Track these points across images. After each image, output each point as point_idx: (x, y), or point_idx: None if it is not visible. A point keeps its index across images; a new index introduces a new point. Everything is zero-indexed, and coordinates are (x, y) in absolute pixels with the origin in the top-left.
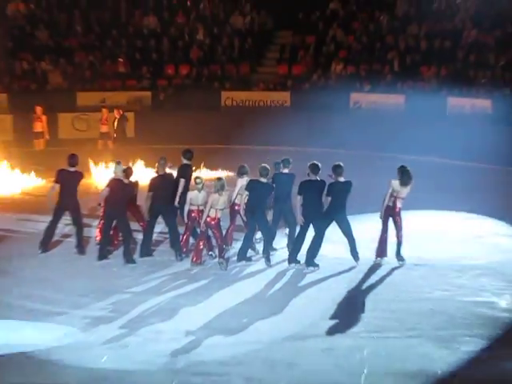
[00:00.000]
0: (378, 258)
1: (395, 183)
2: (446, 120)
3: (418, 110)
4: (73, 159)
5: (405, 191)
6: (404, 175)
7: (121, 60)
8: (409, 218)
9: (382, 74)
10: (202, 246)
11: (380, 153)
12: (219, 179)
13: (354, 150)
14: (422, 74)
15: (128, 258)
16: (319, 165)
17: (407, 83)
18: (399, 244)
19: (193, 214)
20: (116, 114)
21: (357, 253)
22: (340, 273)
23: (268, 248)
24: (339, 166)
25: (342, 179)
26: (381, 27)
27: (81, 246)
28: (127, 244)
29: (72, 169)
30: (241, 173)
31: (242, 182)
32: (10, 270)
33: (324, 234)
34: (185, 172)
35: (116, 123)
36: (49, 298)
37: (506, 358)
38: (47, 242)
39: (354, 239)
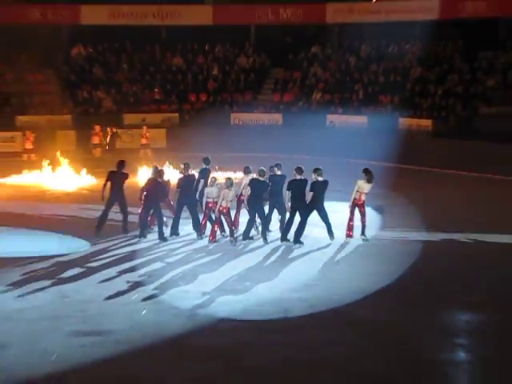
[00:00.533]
0: (348, 238)
1: (360, 181)
2: (397, 134)
3: (377, 127)
4: (121, 164)
5: (368, 187)
6: (368, 175)
7: (156, 90)
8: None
9: (351, 100)
10: (216, 229)
11: (349, 159)
12: (229, 179)
13: (329, 157)
14: (381, 101)
15: (161, 237)
16: (303, 168)
17: (369, 108)
18: (364, 227)
19: (209, 205)
20: (109, 131)
21: (332, 233)
22: (319, 248)
23: (265, 230)
24: (319, 168)
25: (320, 178)
26: (350, 66)
27: (125, 228)
28: (161, 227)
29: (120, 171)
30: (246, 172)
31: (247, 179)
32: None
33: (307, 219)
34: (204, 174)
35: (109, 138)
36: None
37: None
38: (101, 225)
39: (329, 223)
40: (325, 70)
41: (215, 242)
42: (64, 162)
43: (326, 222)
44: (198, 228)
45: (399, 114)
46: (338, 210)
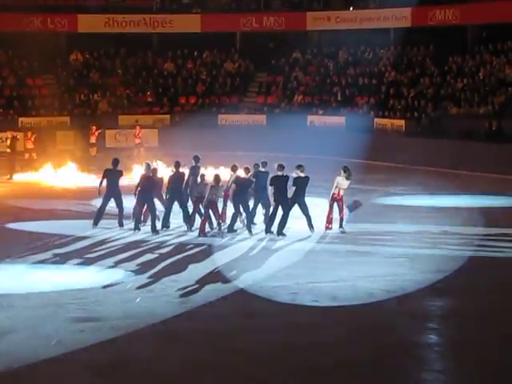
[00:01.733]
0: (327, 230)
1: (339, 178)
2: (373, 133)
3: (354, 126)
4: (115, 162)
5: (346, 183)
6: (347, 172)
7: (149, 93)
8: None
9: (330, 102)
10: (205, 222)
11: (329, 156)
12: (216, 176)
13: (310, 155)
14: (357, 102)
15: (153, 231)
16: (284, 164)
17: (347, 108)
18: (341, 220)
19: (199, 200)
20: (10, 135)
21: (312, 226)
22: (300, 240)
23: (250, 223)
24: (301, 165)
25: (302, 174)
26: (328, 70)
27: (121, 221)
28: (153, 221)
29: (115, 168)
30: (233, 170)
31: (234, 176)
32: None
33: (289, 212)
34: (194, 171)
35: (9, 142)
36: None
37: None
38: (99, 218)
39: (310, 217)
40: (305, 74)
41: (204, 234)
42: (65, 160)
43: (306, 216)
44: (188, 221)
45: (374, 115)
46: (317, 204)
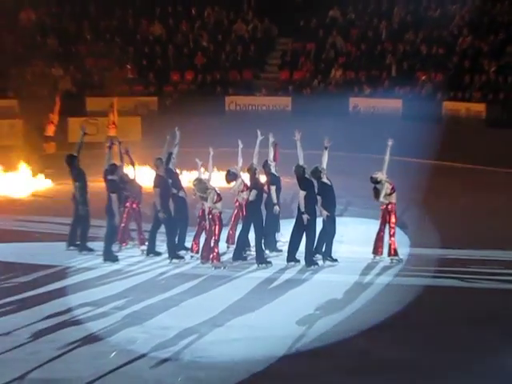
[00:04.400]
0: (377, 257)
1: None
2: (441, 122)
3: (414, 113)
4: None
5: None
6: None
7: (128, 67)
8: None
9: (381, 79)
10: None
11: (376, 155)
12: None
13: (350, 152)
14: (419, 79)
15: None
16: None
17: (404, 88)
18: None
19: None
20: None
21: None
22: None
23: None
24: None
25: (327, 181)
26: (379, 34)
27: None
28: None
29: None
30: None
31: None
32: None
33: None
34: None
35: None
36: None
37: None
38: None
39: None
40: (346, 40)
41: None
42: (10, 160)
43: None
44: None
45: (443, 97)
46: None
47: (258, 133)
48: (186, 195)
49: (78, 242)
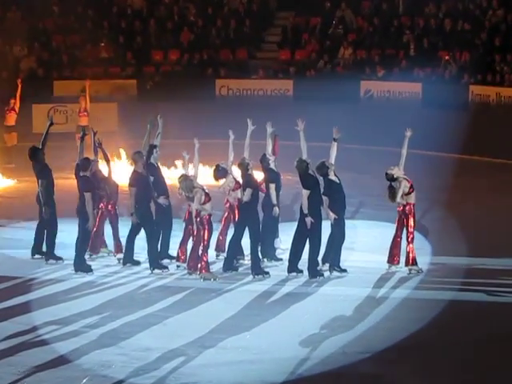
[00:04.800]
0: (392, 267)
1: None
2: (467, 110)
3: (435, 99)
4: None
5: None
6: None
7: (103, 44)
8: None
9: (397, 59)
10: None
11: (392, 147)
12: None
13: (363, 145)
14: (442, 59)
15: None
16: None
17: (425, 70)
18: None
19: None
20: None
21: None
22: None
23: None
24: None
25: (334, 178)
26: (395, 7)
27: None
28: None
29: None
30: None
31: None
32: None
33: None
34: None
35: None
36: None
37: None
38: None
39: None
40: (357, 14)
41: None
42: None
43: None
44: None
45: (470, 80)
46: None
47: (249, 122)
48: (168, 201)
49: (44, 250)
